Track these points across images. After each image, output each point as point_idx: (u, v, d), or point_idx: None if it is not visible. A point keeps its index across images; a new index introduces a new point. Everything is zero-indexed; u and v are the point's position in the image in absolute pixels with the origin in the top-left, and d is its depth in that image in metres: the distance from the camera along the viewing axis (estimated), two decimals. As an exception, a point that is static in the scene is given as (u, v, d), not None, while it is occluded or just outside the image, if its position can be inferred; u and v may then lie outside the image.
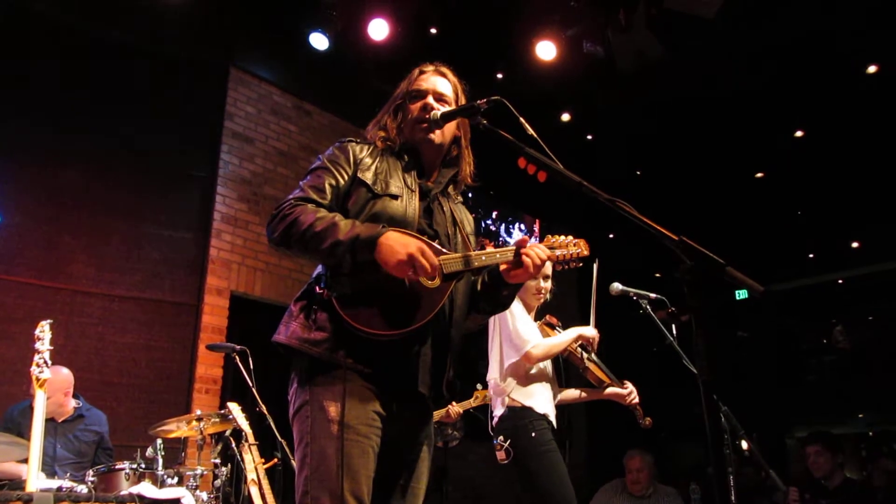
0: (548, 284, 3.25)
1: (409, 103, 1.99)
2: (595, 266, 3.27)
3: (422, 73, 2.04)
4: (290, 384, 1.80)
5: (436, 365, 1.82)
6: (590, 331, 3.22)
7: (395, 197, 1.84)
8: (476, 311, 2.01)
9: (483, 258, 1.82)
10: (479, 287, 1.99)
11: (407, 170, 1.93)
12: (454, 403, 4.39)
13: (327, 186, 1.83)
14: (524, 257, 1.83)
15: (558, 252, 1.94)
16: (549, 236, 1.99)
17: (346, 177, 1.86)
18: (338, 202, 1.84)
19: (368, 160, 1.90)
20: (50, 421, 3.78)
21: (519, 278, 1.88)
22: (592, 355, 3.30)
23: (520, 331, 3.07)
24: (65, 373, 3.97)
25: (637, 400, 3.31)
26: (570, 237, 1.99)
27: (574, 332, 3.20)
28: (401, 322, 1.69)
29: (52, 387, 3.76)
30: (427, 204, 1.93)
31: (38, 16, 5.22)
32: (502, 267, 1.88)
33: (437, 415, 4.32)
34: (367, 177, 1.86)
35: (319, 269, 1.82)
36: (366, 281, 1.69)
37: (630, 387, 3.31)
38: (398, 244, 1.65)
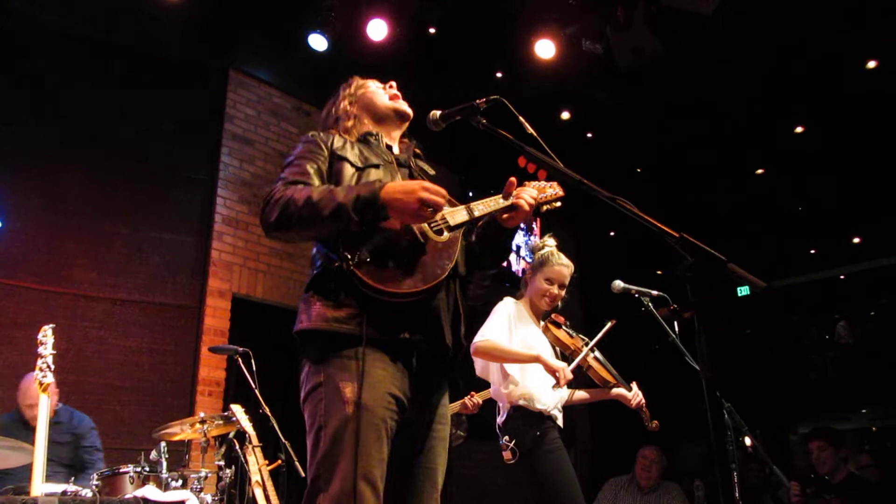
0: (562, 292, 3.21)
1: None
2: (608, 325, 3.19)
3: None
4: (302, 367, 1.77)
5: (453, 316, 1.84)
6: (556, 363, 2.93)
7: (377, 167, 1.91)
8: (478, 268, 2.02)
9: (482, 207, 1.91)
10: (474, 240, 2.02)
11: (378, 146, 2.01)
12: (473, 394, 4.02)
13: (310, 170, 1.85)
14: (518, 200, 1.93)
15: (541, 195, 2.08)
16: (527, 182, 2.07)
17: (324, 159, 1.90)
18: (323, 183, 1.85)
19: (339, 143, 1.95)
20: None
21: (515, 221, 1.96)
22: (597, 353, 3.24)
23: (487, 324, 3.06)
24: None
25: (643, 403, 3.24)
26: (544, 182, 2.11)
27: (536, 353, 2.97)
28: (424, 278, 1.71)
29: (31, 394, 3.77)
30: (408, 173, 2.01)
31: (39, 19, 5.22)
32: (498, 216, 1.95)
33: (456, 406, 4.04)
34: (348, 154, 1.91)
35: (319, 248, 1.81)
36: (380, 245, 1.69)
37: (635, 389, 3.24)
38: (402, 192, 1.67)
